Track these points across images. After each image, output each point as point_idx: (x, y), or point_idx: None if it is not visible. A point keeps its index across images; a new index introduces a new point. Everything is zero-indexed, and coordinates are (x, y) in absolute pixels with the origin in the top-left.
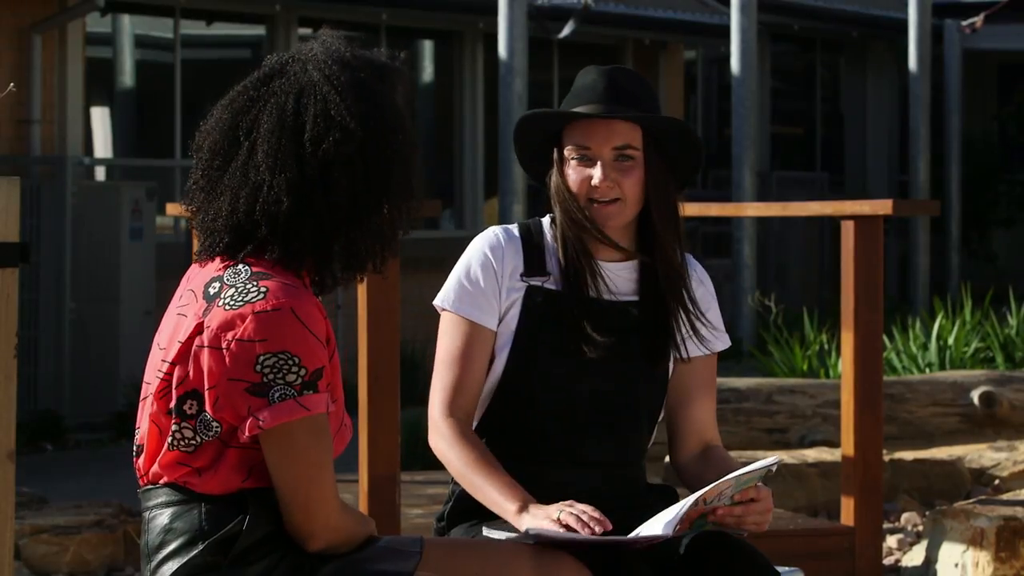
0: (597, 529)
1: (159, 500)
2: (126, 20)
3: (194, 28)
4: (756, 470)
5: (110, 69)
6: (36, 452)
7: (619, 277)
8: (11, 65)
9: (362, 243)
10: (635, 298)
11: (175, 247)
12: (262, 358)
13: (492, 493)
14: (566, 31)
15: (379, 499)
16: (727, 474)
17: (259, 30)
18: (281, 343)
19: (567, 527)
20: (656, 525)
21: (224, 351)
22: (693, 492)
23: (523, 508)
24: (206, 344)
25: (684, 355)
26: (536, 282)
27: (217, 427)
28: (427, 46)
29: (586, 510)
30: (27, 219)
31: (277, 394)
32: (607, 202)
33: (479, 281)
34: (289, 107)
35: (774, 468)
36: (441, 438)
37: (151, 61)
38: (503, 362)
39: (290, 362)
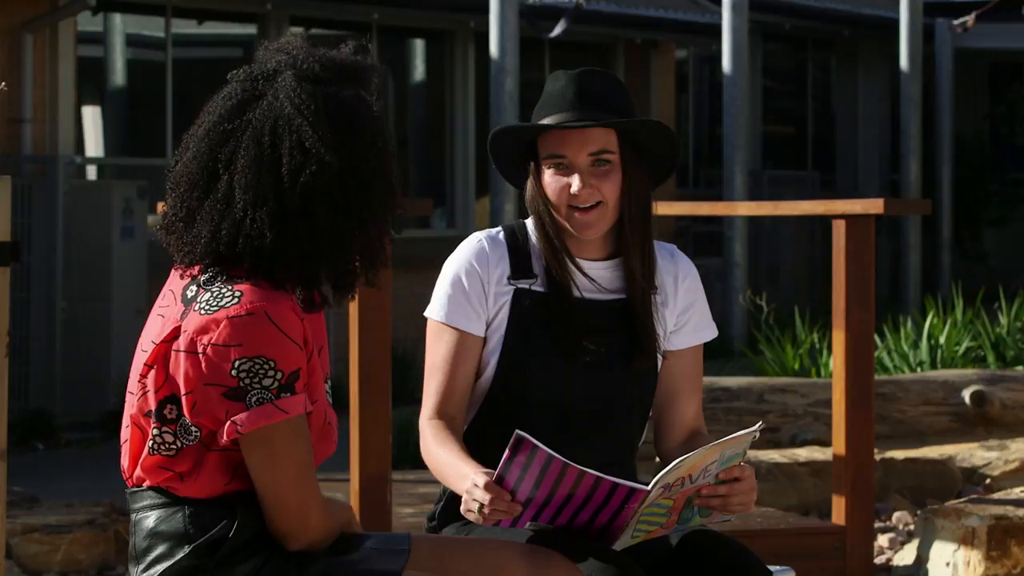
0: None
1: (145, 503)
2: (117, 19)
3: (185, 27)
4: (741, 436)
5: (101, 68)
6: (27, 451)
7: (603, 276)
8: (2, 64)
9: (349, 263)
10: (622, 296)
11: None
12: (238, 362)
13: (452, 473)
14: (557, 30)
15: (370, 499)
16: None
17: (250, 29)
18: (256, 347)
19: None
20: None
21: (200, 356)
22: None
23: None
24: (182, 349)
25: (667, 349)
26: (524, 285)
27: (196, 431)
28: (418, 45)
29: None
30: (18, 218)
31: (254, 398)
32: (588, 208)
33: (464, 288)
34: (265, 140)
35: (757, 434)
36: (422, 439)
37: (142, 60)
38: (494, 365)
39: (266, 366)
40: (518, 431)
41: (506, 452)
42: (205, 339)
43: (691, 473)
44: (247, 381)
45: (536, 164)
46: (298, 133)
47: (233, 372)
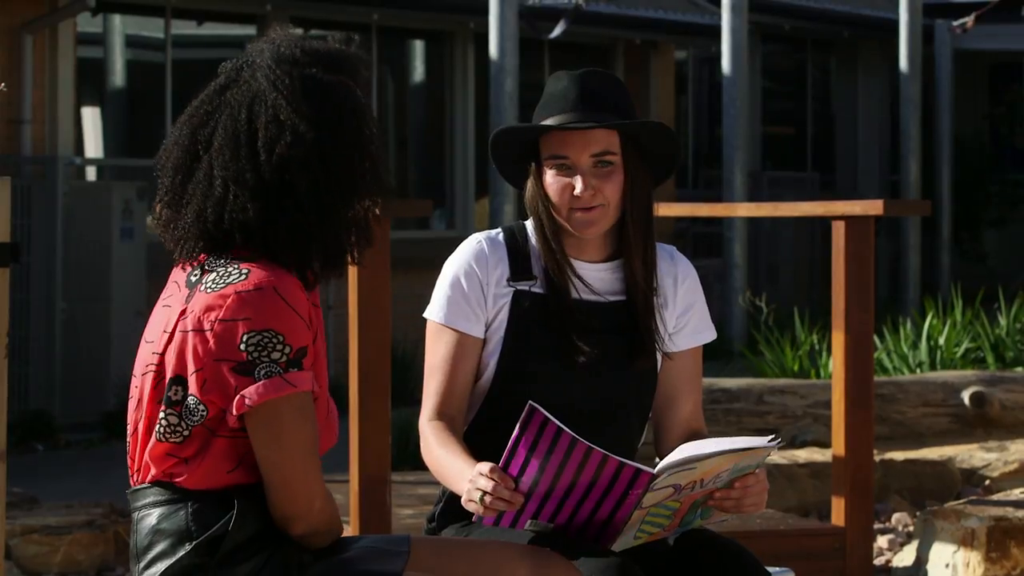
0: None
1: (147, 500)
2: (117, 20)
3: (185, 28)
4: (758, 450)
5: (101, 69)
6: (27, 452)
7: (603, 278)
8: (2, 65)
9: (338, 238)
10: (621, 298)
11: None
12: (246, 336)
13: (454, 473)
14: (557, 31)
15: (370, 500)
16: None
17: (250, 30)
18: (265, 321)
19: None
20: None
21: (208, 332)
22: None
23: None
24: (190, 328)
25: (667, 350)
26: (523, 286)
27: (203, 411)
28: (418, 46)
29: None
30: (18, 219)
31: (263, 371)
32: (590, 208)
33: (463, 290)
34: (242, 117)
35: (776, 448)
36: (423, 441)
37: (142, 61)
38: (493, 366)
39: (274, 340)
40: (531, 403)
41: (516, 427)
42: (212, 315)
43: (703, 478)
44: (256, 354)
45: (537, 165)
46: (273, 108)
47: (242, 346)
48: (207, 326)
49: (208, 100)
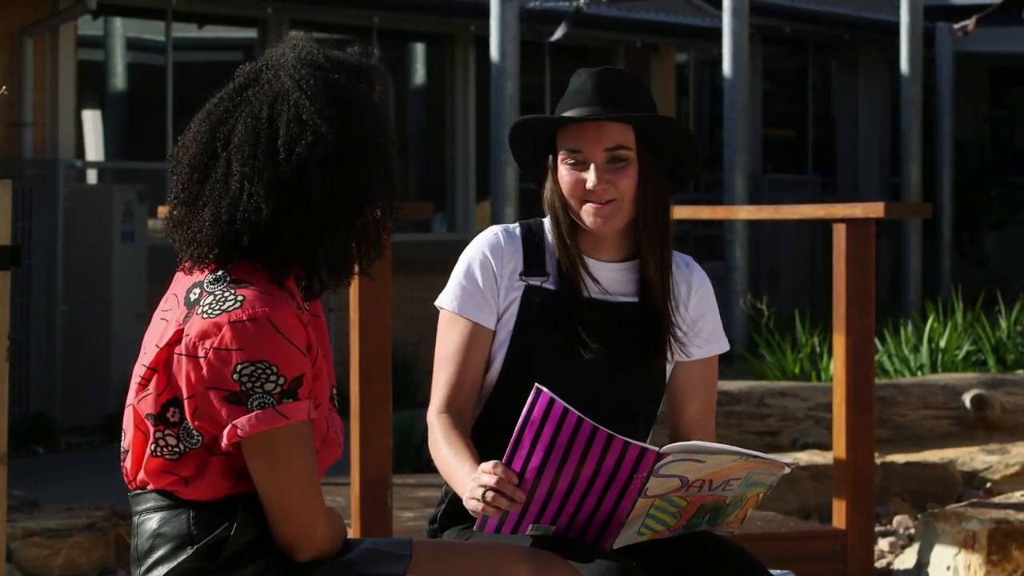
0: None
1: (148, 504)
2: (118, 23)
3: (186, 31)
4: (773, 464)
5: (102, 72)
6: (28, 455)
7: (616, 278)
8: (2, 68)
9: (346, 246)
10: (634, 299)
11: (167, 250)
12: (239, 367)
13: (461, 476)
14: (558, 34)
15: (371, 502)
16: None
17: (251, 33)
18: (258, 352)
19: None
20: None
21: (202, 360)
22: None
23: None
24: (184, 353)
25: (676, 357)
26: (535, 282)
27: (199, 436)
28: (419, 49)
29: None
30: (19, 222)
31: (256, 402)
32: (603, 203)
33: (477, 280)
34: (263, 115)
35: (787, 469)
36: (431, 434)
37: (143, 64)
38: (501, 361)
39: (268, 371)
40: (537, 384)
41: (524, 410)
42: (207, 343)
43: (712, 479)
44: (249, 385)
45: (555, 159)
46: (296, 107)
47: (235, 376)
48: (201, 353)
49: (228, 98)
